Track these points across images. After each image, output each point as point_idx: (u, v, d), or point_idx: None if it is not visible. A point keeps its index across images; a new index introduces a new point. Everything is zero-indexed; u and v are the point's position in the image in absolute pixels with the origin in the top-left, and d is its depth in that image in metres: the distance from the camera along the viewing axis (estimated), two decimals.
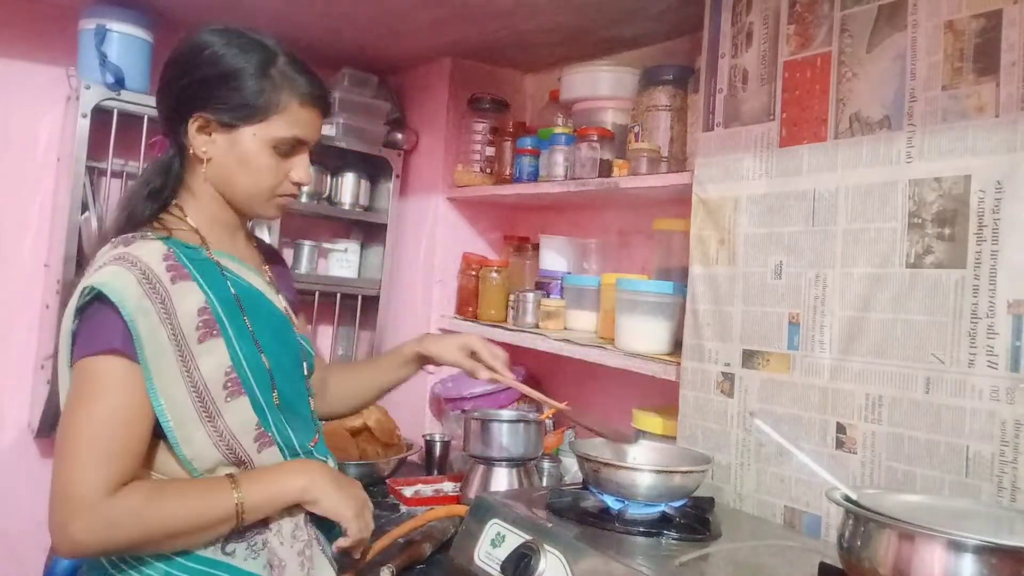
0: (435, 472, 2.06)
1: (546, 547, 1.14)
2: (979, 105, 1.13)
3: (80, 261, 1.99)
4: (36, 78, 2.17)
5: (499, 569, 1.18)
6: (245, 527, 1.08)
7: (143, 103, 2.03)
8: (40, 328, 2.17)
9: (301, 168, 1.19)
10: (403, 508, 1.76)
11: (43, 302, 2.16)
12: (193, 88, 1.13)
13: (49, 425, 2.02)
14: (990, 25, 1.12)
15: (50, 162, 2.20)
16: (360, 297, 2.50)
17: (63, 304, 1.93)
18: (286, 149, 1.16)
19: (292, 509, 1.12)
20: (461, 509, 1.52)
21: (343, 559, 1.19)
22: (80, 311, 1.05)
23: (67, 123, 2.12)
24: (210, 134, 1.14)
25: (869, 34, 1.27)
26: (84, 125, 1.97)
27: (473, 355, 1.42)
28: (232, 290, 1.14)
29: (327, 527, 1.17)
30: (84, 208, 2.00)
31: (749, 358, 1.41)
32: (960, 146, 1.15)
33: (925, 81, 1.19)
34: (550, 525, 1.19)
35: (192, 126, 1.13)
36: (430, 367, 1.50)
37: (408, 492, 1.82)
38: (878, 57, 1.25)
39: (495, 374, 1.41)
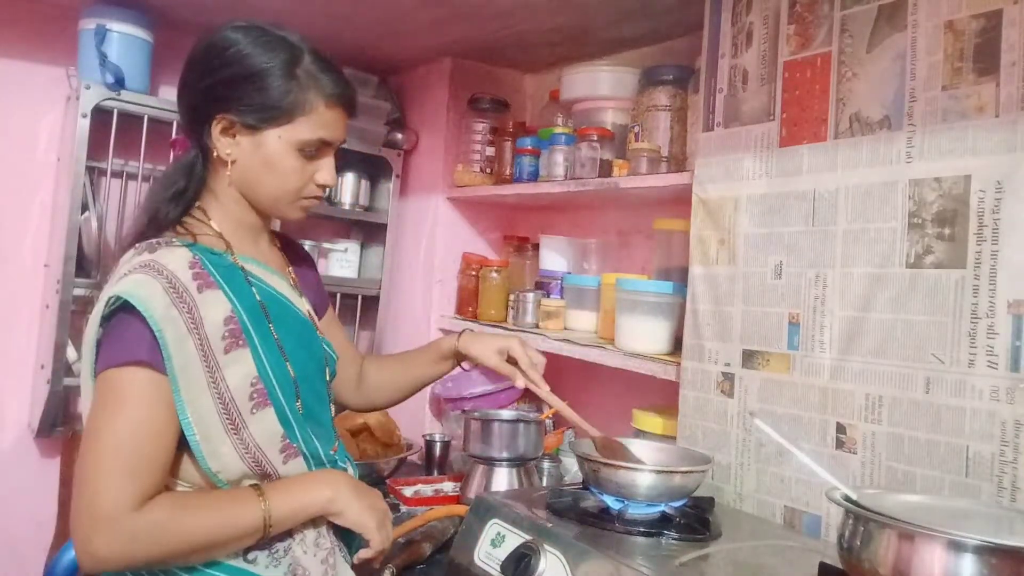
0: (435, 472, 2.06)
1: (546, 547, 1.14)
2: (979, 105, 1.13)
3: (80, 261, 1.99)
4: (36, 78, 2.17)
5: (499, 569, 1.18)
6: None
7: (143, 103, 2.04)
8: (40, 328, 2.17)
9: (326, 170, 1.16)
10: (403, 508, 1.76)
11: (43, 302, 2.16)
12: (217, 89, 1.10)
13: (49, 425, 2.02)
14: (990, 25, 1.12)
15: (50, 162, 2.20)
16: (360, 297, 2.50)
17: (63, 304, 1.96)
18: (312, 151, 1.13)
19: (315, 518, 1.11)
20: (461, 509, 1.52)
21: (363, 568, 1.19)
22: (105, 320, 1.02)
23: (67, 123, 2.12)
24: (234, 136, 1.11)
25: (869, 34, 1.27)
26: (84, 125, 1.97)
27: (511, 360, 1.38)
28: (257, 296, 1.13)
29: (347, 535, 1.17)
30: (84, 208, 2.00)
31: (749, 358, 1.41)
32: (960, 146, 1.15)
33: (925, 81, 1.19)
34: (550, 525, 1.19)
35: (216, 128, 1.10)
36: (466, 364, 1.46)
37: (408, 492, 1.82)
38: (878, 57, 1.25)
39: (531, 384, 1.37)
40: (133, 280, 1.01)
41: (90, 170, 2.04)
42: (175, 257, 1.05)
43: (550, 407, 1.98)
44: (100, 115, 2.00)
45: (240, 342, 1.07)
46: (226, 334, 1.06)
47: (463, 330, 1.44)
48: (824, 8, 1.33)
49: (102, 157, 2.05)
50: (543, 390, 1.37)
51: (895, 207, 1.22)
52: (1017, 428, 1.07)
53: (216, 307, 1.06)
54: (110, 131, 2.02)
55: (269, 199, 1.15)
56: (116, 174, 2.14)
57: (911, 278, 1.19)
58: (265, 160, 1.12)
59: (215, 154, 1.12)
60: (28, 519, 2.14)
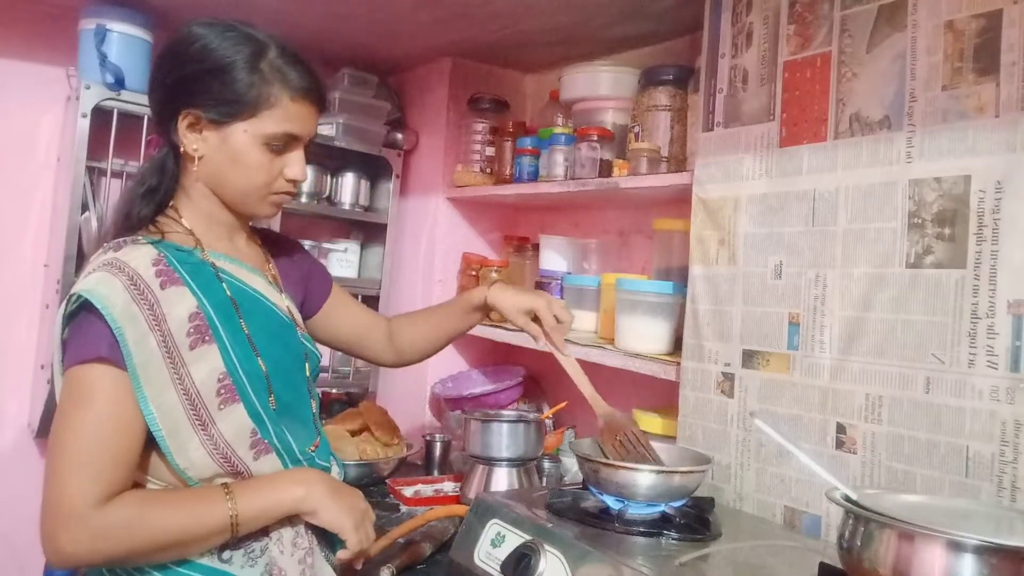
0: (435, 472, 2.06)
1: (546, 547, 1.14)
2: (979, 105, 1.13)
3: (80, 261, 1.99)
4: (36, 78, 2.17)
5: (499, 569, 1.18)
6: (242, 536, 1.06)
7: (143, 103, 2.02)
8: (40, 328, 2.18)
9: (296, 165, 1.15)
10: (403, 508, 1.76)
11: (43, 302, 2.16)
12: (182, 83, 1.10)
13: (49, 425, 2.01)
14: (990, 25, 1.12)
15: (50, 162, 2.20)
16: (360, 297, 2.47)
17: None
18: (279, 145, 1.12)
19: (292, 517, 1.10)
20: (461, 509, 1.52)
21: (344, 568, 1.18)
22: (68, 319, 1.03)
23: (67, 123, 2.12)
24: (201, 131, 1.11)
25: (869, 34, 1.27)
26: (84, 125, 1.98)
27: (536, 319, 1.37)
28: (228, 292, 1.12)
29: (327, 535, 1.15)
30: (84, 208, 2.01)
31: (749, 358, 1.41)
32: (960, 146, 1.15)
33: (925, 81, 1.19)
34: (550, 525, 1.19)
35: (182, 123, 1.10)
36: (494, 315, 1.43)
37: (408, 492, 1.82)
38: (878, 57, 1.25)
39: (552, 347, 1.36)
40: (94, 278, 1.02)
41: (90, 170, 2.04)
42: (139, 255, 1.05)
43: (550, 407, 1.99)
44: (100, 115, 2.00)
45: (206, 338, 1.06)
46: (191, 330, 1.05)
47: (494, 281, 1.43)
48: (824, 8, 1.33)
49: (102, 157, 2.05)
50: (562, 353, 1.37)
51: (895, 207, 1.22)
52: (1017, 428, 1.07)
53: (180, 304, 1.05)
54: (110, 131, 2.02)
55: (237, 194, 1.15)
56: (116, 174, 2.14)
57: (911, 278, 1.19)
58: (231, 155, 1.11)
59: (183, 150, 1.12)
60: (28, 519, 2.11)
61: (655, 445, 1.40)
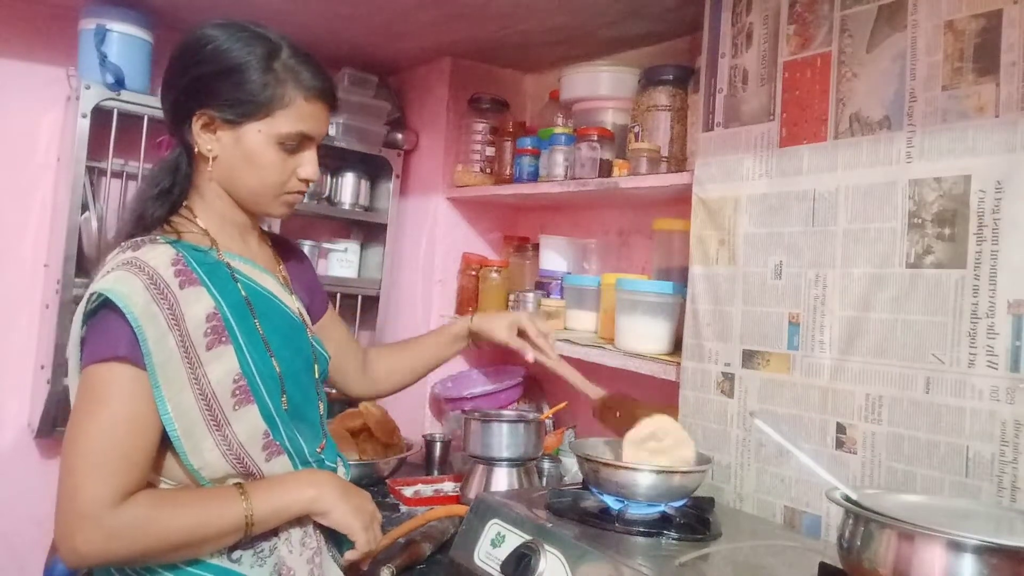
0: (435, 472, 2.07)
1: (546, 547, 1.14)
2: (979, 105, 1.13)
3: (80, 261, 1.99)
4: (36, 78, 2.17)
5: (499, 569, 1.18)
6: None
7: (143, 103, 2.04)
8: (40, 328, 2.17)
9: (309, 165, 1.16)
10: (403, 508, 1.76)
11: (43, 302, 2.16)
12: (196, 84, 1.11)
13: (49, 425, 2.02)
14: (990, 25, 1.12)
15: (50, 162, 2.20)
16: (360, 297, 2.50)
17: (63, 304, 1.96)
18: (292, 145, 1.13)
19: (301, 517, 1.11)
20: (461, 509, 1.52)
21: (351, 568, 1.19)
22: (88, 317, 1.03)
23: (67, 123, 2.12)
24: (215, 132, 1.11)
25: (869, 34, 1.27)
26: (84, 125, 1.97)
27: (521, 333, 1.44)
28: (243, 293, 1.13)
29: (339, 535, 1.16)
30: (84, 208, 2.00)
31: (749, 358, 1.41)
32: (960, 146, 1.15)
33: (925, 81, 1.19)
34: (550, 525, 1.19)
35: (196, 124, 1.11)
36: (481, 342, 1.52)
37: (408, 492, 1.82)
38: (878, 57, 1.25)
39: (541, 355, 1.44)
40: (114, 277, 1.02)
41: (90, 170, 2.04)
42: (157, 254, 1.06)
43: (550, 407, 1.99)
44: (100, 115, 2.00)
45: (223, 339, 1.07)
46: (208, 331, 1.06)
47: (473, 313, 1.51)
48: (824, 8, 1.33)
49: (102, 157, 2.05)
50: (552, 358, 1.43)
51: (895, 207, 1.22)
52: (1017, 428, 1.07)
53: (198, 304, 1.06)
54: (110, 131, 2.02)
55: (251, 194, 1.15)
56: (116, 174, 2.14)
57: (911, 278, 1.19)
58: (245, 155, 1.12)
59: (197, 151, 1.13)
60: (28, 519, 2.14)
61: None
